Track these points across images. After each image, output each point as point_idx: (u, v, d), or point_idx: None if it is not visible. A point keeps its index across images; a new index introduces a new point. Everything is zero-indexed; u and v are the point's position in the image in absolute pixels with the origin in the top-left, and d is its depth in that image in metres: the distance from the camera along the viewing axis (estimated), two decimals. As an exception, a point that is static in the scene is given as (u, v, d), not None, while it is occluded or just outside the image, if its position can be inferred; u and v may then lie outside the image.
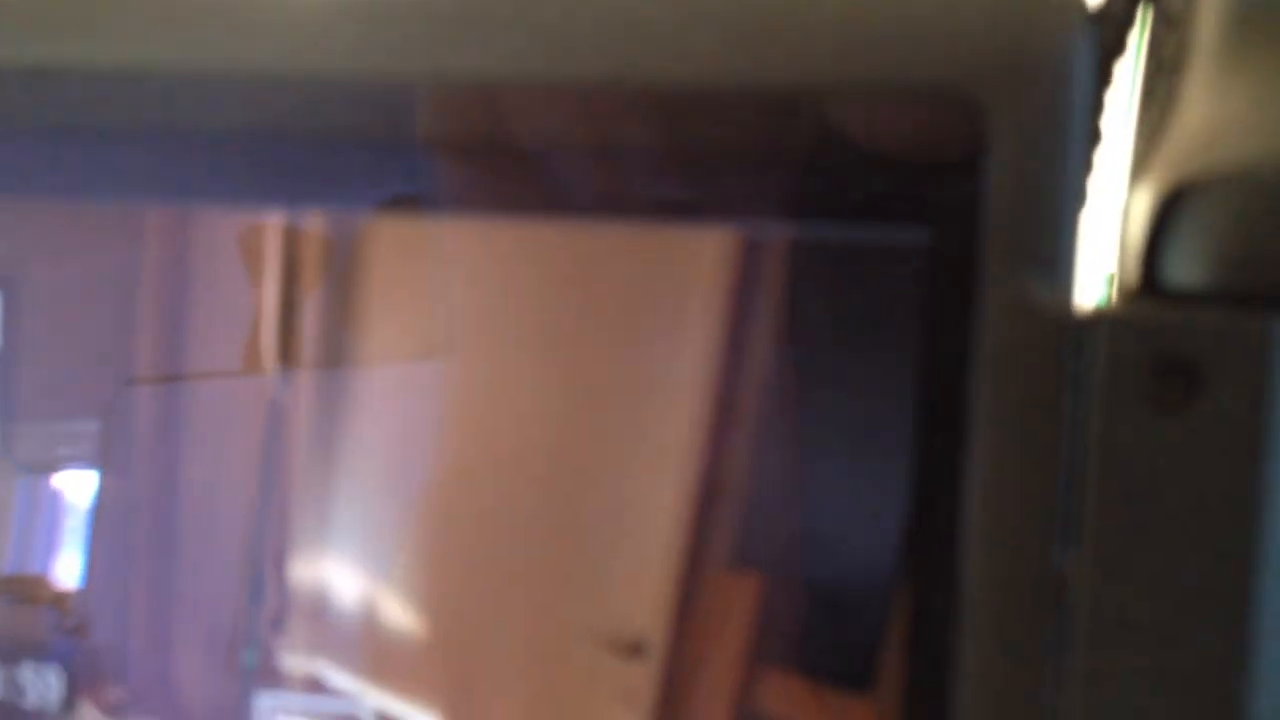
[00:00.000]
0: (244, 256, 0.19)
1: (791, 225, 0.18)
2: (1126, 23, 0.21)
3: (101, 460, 0.20)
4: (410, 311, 0.19)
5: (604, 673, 0.19)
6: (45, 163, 0.19)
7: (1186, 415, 0.16)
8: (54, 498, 0.20)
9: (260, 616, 0.19)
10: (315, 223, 0.19)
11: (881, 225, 0.17)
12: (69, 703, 0.20)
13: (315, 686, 0.19)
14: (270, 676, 0.19)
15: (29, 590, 0.20)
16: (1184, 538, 0.17)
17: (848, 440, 0.18)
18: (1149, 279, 0.17)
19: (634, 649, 0.19)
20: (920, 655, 0.18)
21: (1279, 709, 0.17)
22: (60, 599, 0.20)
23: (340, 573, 0.19)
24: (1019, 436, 0.17)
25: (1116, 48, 0.21)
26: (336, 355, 0.19)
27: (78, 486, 0.20)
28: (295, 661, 0.19)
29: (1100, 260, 0.18)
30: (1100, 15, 0.21)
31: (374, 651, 0.19)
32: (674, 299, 0.18)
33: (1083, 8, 0.18)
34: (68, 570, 0.20)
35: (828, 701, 0.18)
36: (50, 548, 0.20)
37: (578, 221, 0.18)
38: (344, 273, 0.19)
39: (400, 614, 0.19)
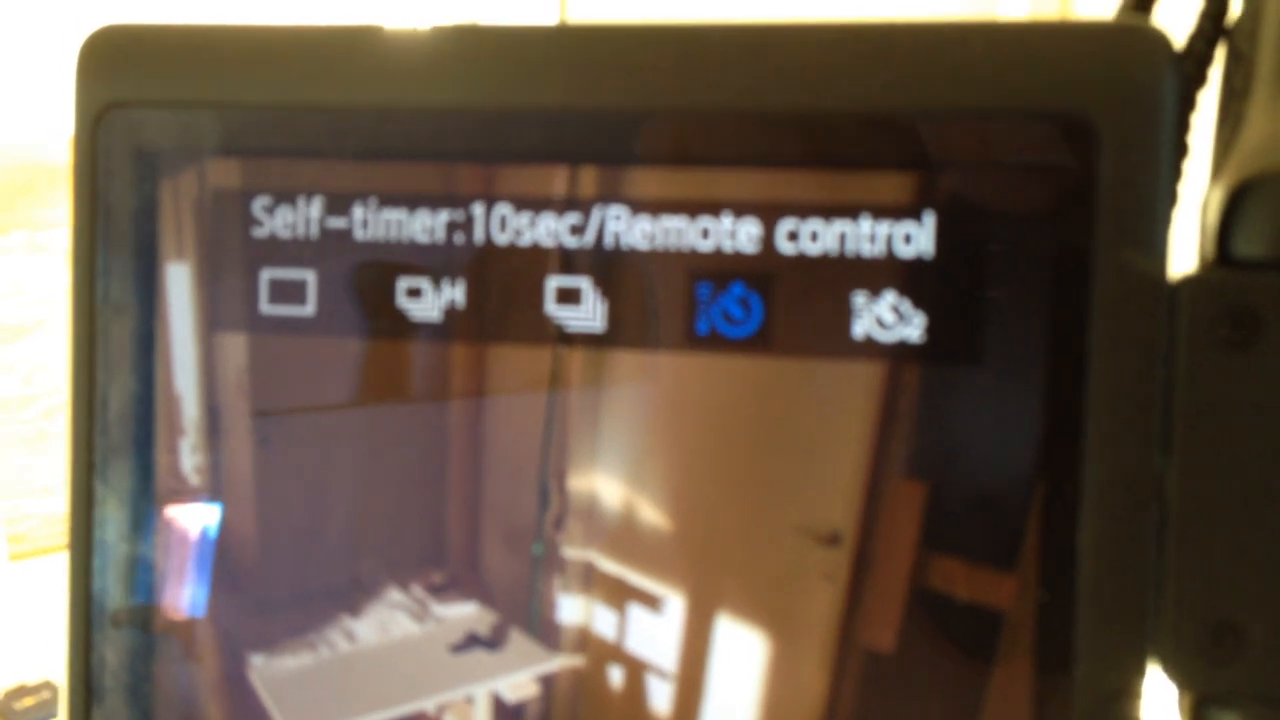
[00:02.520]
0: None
1: (944, 216, 0.22)
2: (1206, 60, 0.24)
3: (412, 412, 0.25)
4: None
5: (810, 557, 0.23)
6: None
7: (1250, 353, 0.20)
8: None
9: (546, 518, 0.24)
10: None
11: (1015, 220, 0.22)
12: (404, 585, 0.25)
13: (588, 571, 0.24)
14: (554, 563, 0.24)
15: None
16: (1248, 446, 0.20)
17: (995, 378, 0.22)
18: (1222, 252, 0.20)
19: (833, 538, 0.23)
20: (1053, 539, 0.22)
21: None
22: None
23: (606, 485, 0.24)
24: (1127, 370, 0.21)
25: (1198, 79, 0.24)
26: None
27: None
28: (572, 552, 0.24)
29: (1187, 241, 0.22)
30: (1185, 54, 0.24)
31: (632, 543, 0.24)
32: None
33: (1172, 49, 0.21)
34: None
35: (982, 578, 0.22)
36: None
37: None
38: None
39: (651, 515, 0.24)
